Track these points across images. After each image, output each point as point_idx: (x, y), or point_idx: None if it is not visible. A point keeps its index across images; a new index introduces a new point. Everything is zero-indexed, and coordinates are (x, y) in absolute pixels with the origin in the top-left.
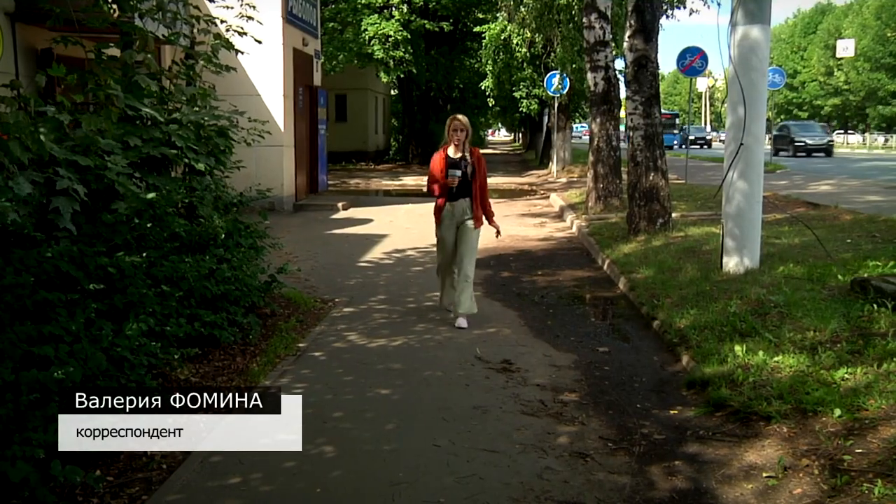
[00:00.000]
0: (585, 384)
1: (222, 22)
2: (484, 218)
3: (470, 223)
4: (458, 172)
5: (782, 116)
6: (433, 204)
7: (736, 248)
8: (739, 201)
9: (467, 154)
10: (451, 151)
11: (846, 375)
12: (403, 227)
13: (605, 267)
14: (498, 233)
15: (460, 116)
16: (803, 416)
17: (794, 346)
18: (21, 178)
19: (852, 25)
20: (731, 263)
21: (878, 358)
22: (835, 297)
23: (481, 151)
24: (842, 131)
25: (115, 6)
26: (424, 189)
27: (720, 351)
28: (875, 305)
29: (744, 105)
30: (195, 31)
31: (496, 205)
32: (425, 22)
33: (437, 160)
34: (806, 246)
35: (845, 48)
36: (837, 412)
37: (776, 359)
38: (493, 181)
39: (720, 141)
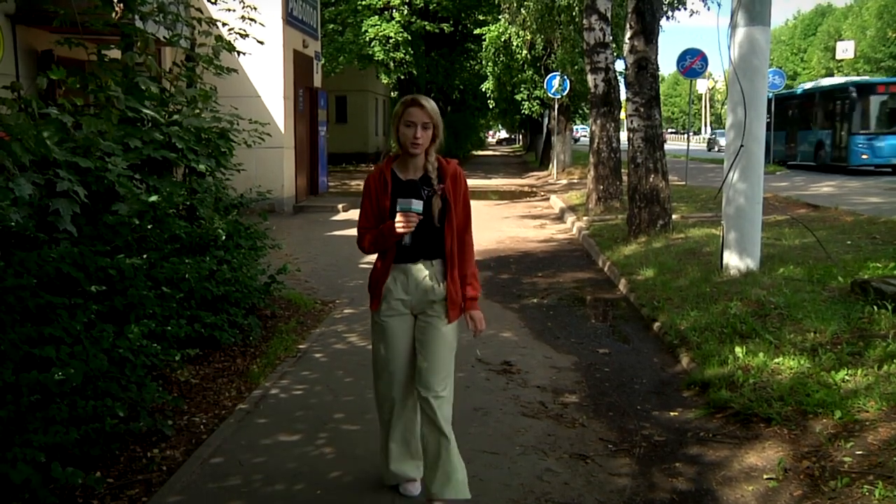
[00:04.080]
0: (586, 386)
1: (224, 25)
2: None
3: (439, 314)
4: (418, 207)
5: None
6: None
7: (736, 250)
8: (740, 203)
9: (433, 171)
10: (400, 167)
11: (847, 377)
12: None
13: (605, 268)
14: (476, 332)
15: (422, 99)
16: (804, 418)
17: (795, 348)
18: (22, 179)
19: (852, 27)
20: (732, 265)
21: (878, 360)
22: (835, 299)
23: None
24: None
25: (119, 6)
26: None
27: (720, 352)
28: (875, 307)
29: (744, 106)
30: (196, 32)
31: (496, 207)
32: (426, 23)
33: (373, 184)
34: (806, 247)
35: (845, 50)
36: (838, 414)
37: (776, 360)
38: (492, 183)
39: None
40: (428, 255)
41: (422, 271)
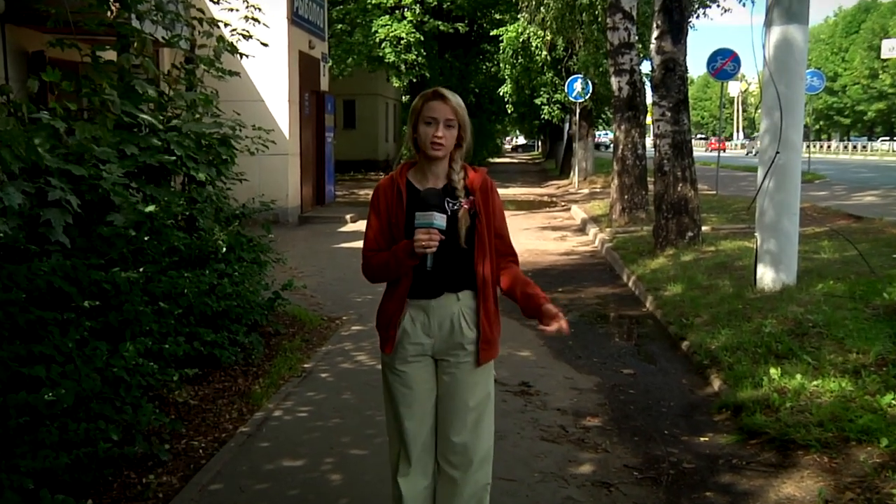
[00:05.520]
0: (609, 408)
1: (226, 25)
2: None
3: (468, 360)
4: (441, 222)
5: (821, 123)
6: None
7: (771, 264)
8: (775, 213)
9: (459, 182)
10: (418, 177)
11: (893, 402)
12: None
13: (630, 283)
14: (562, 329)
15: (445, 92)
16: (846, 446)
17: (836, 370)
18: (11, 187)
19: None
20: (766, 280)
21: None
22: (879, 317)
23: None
24: (887, 138)
25: (115, 5)
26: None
27: (754, 374)
28: None
29: (780, 110)
30: (196, 33)
31: (513, 217)
32: (439, 23)
33: (383, 196)
34: (847, 261)
35: (892, 48)
36: (885, 441)
37: (816, 383)
38: (510, 192)
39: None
40: (454, 287)
41: (447, 308)
